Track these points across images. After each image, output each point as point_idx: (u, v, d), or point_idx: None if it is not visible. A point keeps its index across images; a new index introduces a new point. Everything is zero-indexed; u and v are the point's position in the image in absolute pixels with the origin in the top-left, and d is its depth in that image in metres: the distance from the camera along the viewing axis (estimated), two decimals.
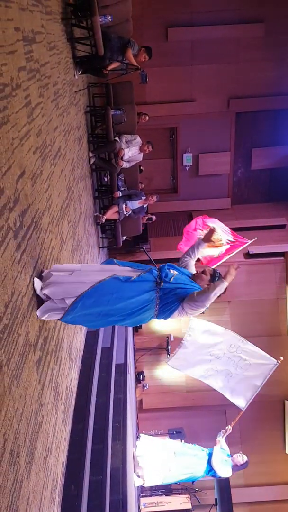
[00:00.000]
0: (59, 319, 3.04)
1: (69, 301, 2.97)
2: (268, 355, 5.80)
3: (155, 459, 6.71)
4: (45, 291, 2.92)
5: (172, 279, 3.16)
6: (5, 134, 2.53)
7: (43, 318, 2.98)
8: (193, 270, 3.53)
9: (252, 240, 6.79)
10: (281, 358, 5.75)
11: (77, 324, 3.39)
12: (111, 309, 3.03)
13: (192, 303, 3.16)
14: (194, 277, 3.36)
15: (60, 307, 2.99)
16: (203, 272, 3.33)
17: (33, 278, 2.89)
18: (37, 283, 2.93)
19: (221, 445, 6.61)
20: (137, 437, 7.24)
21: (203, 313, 6.26)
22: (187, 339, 5.80)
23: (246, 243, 6.78)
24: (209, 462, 6.54)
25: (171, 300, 3.16)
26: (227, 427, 6.65)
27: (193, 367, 5.86)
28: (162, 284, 3.11)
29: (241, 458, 6.52)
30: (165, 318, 3.31)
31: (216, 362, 5.79)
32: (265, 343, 10.35)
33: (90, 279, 3.04)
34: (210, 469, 6.57)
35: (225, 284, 3.09)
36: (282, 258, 10.28)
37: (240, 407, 5.97)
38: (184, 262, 3.58)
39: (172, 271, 3.27)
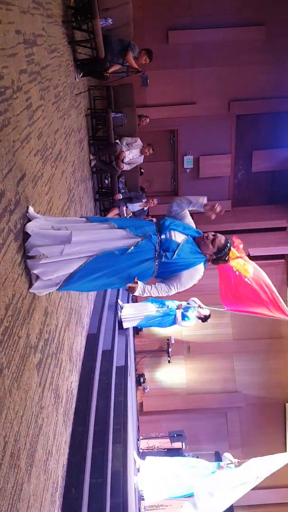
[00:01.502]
0: (56, 290, 2.92)
1: (63, 277, 2.83)
2: None
3: (157, 483, 6.70)
4: (36, 271, 2.74)
5: (175, 254, 2.88)
6: (6, 137, 2.53)
7: (39, 293, 2.86)
8: (191, 222, 3.17)
9: None
10: None
11: (75, 290, 3.18)
12: (109, 280, 2.90)
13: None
14: (199, 240, 3.01)
15: (53, 283, 2.85)
16: (213, 242, 2.96)
17: (24, 225, 2.71)
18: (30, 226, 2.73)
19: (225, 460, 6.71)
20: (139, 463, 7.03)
21: (206, 322, 6.08)
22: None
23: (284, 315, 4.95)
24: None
25: (171, 270, 2.95)
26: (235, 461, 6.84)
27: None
28: (163, 258, 2.89)
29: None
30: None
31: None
32: (266, 345, 10.41)
33: (83, 252, 2.83)
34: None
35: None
36: (283, 260, 10.28)
37: None
38: (174, 212, 3.17)
39: (175, 235, 2.94)
